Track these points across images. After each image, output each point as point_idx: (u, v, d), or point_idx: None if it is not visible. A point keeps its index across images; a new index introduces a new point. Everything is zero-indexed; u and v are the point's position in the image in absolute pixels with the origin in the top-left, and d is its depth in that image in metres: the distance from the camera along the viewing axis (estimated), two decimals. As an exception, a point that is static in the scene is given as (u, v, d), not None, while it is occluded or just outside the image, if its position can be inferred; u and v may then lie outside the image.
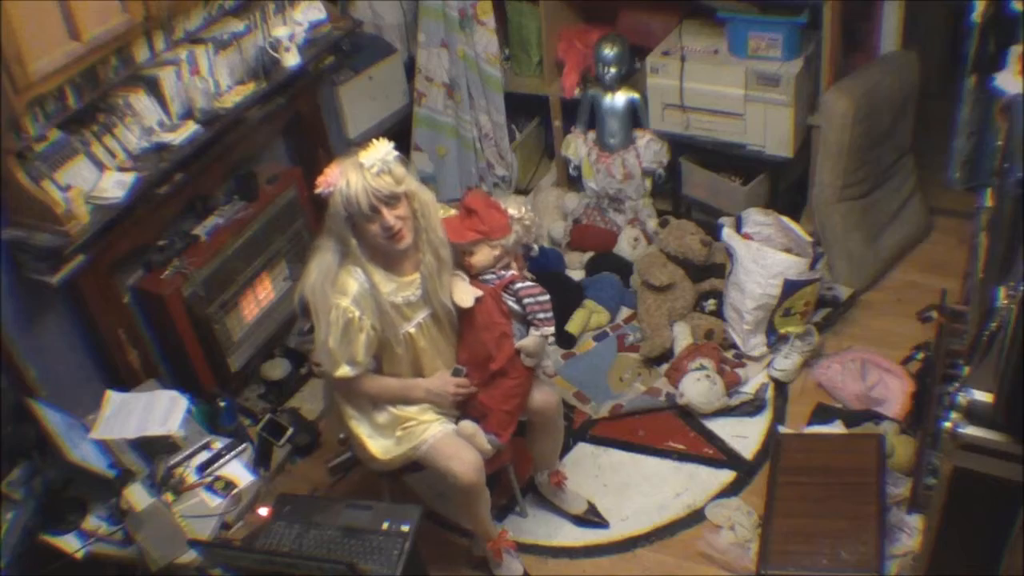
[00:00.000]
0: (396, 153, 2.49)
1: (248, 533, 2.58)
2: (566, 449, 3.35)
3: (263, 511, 2.56)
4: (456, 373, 2.74)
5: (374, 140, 2.50)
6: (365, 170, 2.44)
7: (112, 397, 2.81)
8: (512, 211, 2.80)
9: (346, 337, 2.57)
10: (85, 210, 2.84)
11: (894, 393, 3.31)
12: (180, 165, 3.09)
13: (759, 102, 3.65)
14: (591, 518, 3.13)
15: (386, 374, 2.72)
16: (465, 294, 2.71)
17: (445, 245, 2.65)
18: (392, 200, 2.48)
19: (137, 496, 2.46)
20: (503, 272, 2.78)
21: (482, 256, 2.75)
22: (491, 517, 2.91)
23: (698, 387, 3.35)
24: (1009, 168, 2.18)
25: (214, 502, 2.57)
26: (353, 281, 2.56)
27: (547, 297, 2.79)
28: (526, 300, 2.77)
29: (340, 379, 2.64)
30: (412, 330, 2.67)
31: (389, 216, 2.48)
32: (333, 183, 2.47)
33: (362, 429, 2.75)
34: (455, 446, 2.70)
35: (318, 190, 2.50)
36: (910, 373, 3.36)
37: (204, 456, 2.68)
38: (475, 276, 2.78)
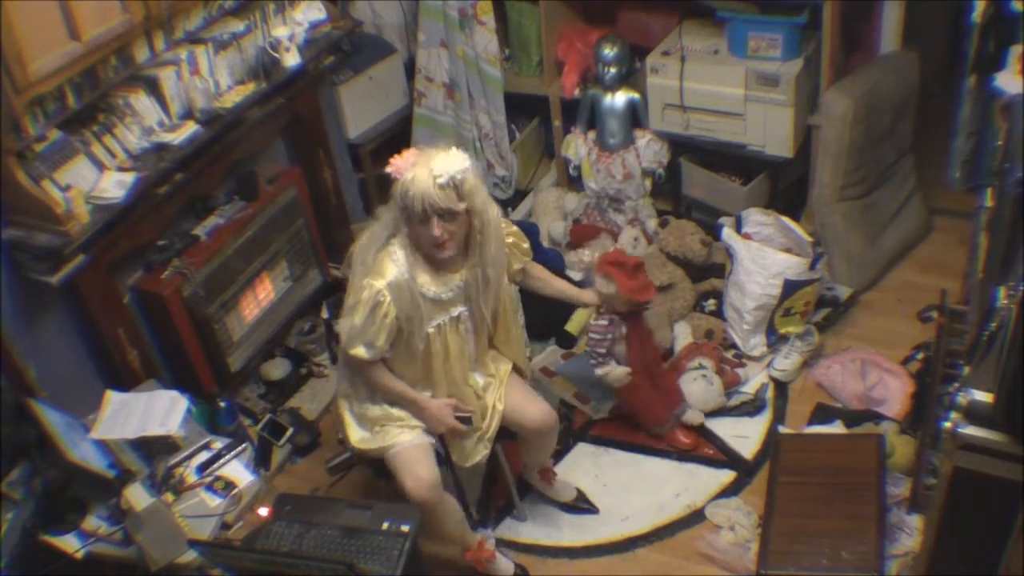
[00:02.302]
0: (467, 167, 2.45)
1: (248, 533, 2.57)
2: (566, 449, 3.36)
3: (263, 511, 2.56)
4: (464, 421, 2.73)
5: (452, 149, 2.47)
6: (433, 177, 2.41)
7: (112, 397, 2.81)
8: None
9: (371, 319, 2.57)
10: (85, 210, 2.84)
11: (894, 393, 3.31)
12: (180, 165, 3.09)
13: (759, 102, 3.65)
14: (581, 505, 3.16)
15: (396, 369, 2.72)
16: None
17: (496, 265, 2.64)
18: (447, 215, 2.46)
19: (137, 496, 2.46)
20: None
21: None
22: (465, 526, 2.89)
23: (695, 387, 3.35)
24: (1009, 168, 2.18)
25: (214, 502, 2.57)
26: (392, 266, 2.55)
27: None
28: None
29: (353, 357, 2.65)
30: (431, 330, 2.66)
31: (437, 228, 2.46)
32: (402, 171, 2.45)
33: (348, 413, 2.78)
34: (415, 460, 2.69)
35: (388, 169, 2.48)
36: (910, 373, 3.36)
37: (204, 456, 2.68)
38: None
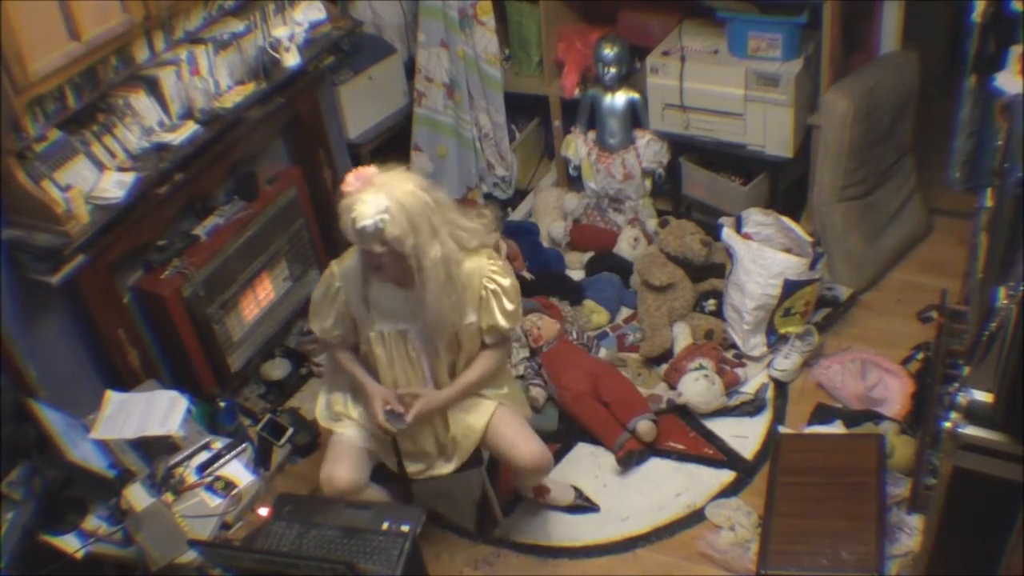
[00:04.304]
0: (385, 217, 2.34)
1: (248, 533, 2.58)
2: (566, 449, 3.36)
3: (263, 511, 2.56)
4: (389, 417, 2.65)
5: (379, 196, 2.35)
6: (352, 219, 2.36)
7: (112, 397, 2.81)
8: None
9: (324, 297, 2.70)
10: (85, 210, 2.84)
11: (894, 393, 3.31)
12: (180, 165, 3.09)
13: (759, 102, 3.65)
14: (580, 503, 3.16)
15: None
16: None
17: (440, 313, 2.54)
18: (369, 251, 2.43)
19: (137, 496, 2.47)
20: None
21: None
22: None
23: (696, 387, 3.35)
24: (1009, 168, 2.18)
25: (214, 502, 2.57)
26: (354, 255, 2.60)
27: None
28: None
29: (313, 331, 2.80)
30: (373, 334, 2.66)
31: (365, 254, 2.46)
32: (350, 192, 2.39)
33: (322, 393, 2.90)
34: (342, 456, 2.73)
35: (343, 186, 2.42)
36: (910, 373, 3.36)
37: (204, 456, 2.68)
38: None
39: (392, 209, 2.35)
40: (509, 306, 2.63)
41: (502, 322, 2.64)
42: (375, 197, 2.35)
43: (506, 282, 2.62)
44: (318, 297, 2.71)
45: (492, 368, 2.75)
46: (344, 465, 2.72)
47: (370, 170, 2.42)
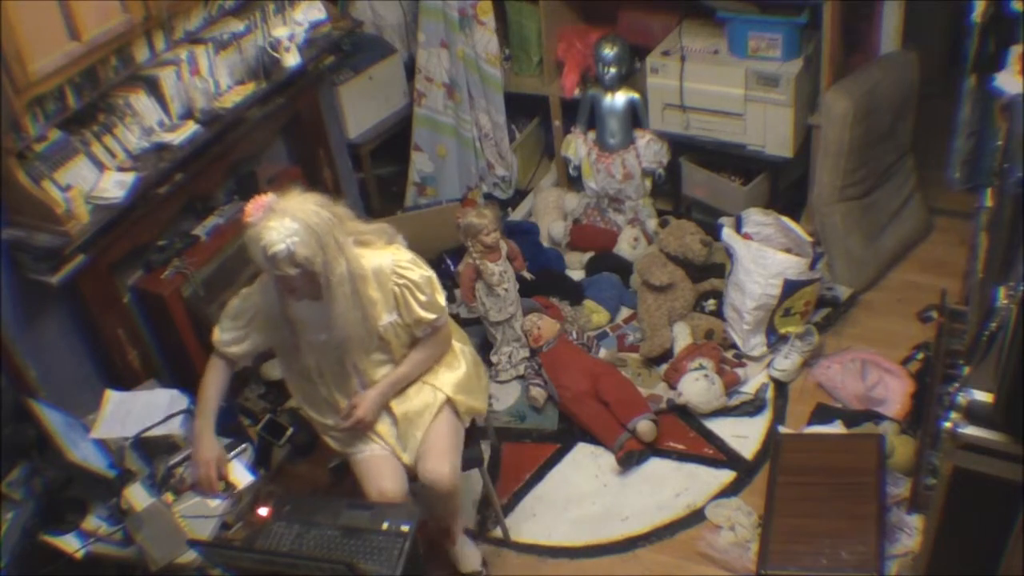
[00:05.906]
0: (295, 239, 2.33)
1: (248, 533, 2.57)
2: (566, 449, 3.36)
3: (263, 511, 2.56)
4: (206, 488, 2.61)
5: (273, 225, 2.34)
6: (262, 248, 2.35)
7: (112, 397, 2.80)
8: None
9: (239, 317, 2.65)
10: (85, 210, 2.84)
11: (894, 393, 3.31)
12: (180, 165, 3.09)
13: (759, 102, 3.65)
14: None
15: (296, 387, 2.78)
16: None
17: (347, 324, 2.52)
18: (282, 276, 2.42)
19: (137, 496, 2.47)
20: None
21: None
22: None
23: (696, 387, 3.35)
24: (1009, 168, 2.19)
25: (214, 502, 2.57)
26: (262, 286, 2.62)
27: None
28: None
29: (214, 335, 2.69)
30: (302, 345, 2.64)
31: (279, 280, 2.44)
32: (251, 220, 2.38)
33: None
34: (380, 472, 2.69)
35: (245, 217, 2.41)
36: (910, 373, 3.36)
37: (204, 456, 2.67)
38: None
39: (300, 230, 2.35)
40: (422, 296, 2.60)
41: (423, 314, 2.62)
42: (281, 222, 2.35)
43: (414, 274, 2.59)
44: (232, 311, 2.66)
45: (427, 358, 2.74)
46: (389, 479, 2.67)
47: (269, 197, 2.42)
